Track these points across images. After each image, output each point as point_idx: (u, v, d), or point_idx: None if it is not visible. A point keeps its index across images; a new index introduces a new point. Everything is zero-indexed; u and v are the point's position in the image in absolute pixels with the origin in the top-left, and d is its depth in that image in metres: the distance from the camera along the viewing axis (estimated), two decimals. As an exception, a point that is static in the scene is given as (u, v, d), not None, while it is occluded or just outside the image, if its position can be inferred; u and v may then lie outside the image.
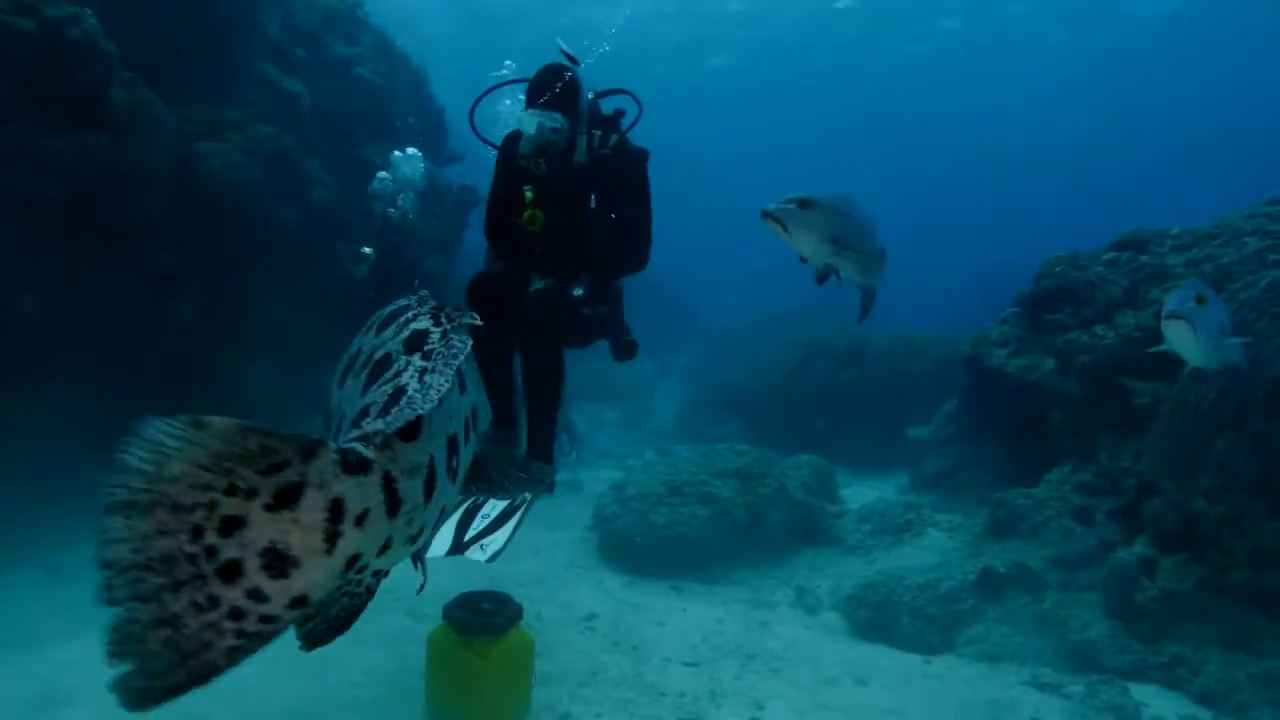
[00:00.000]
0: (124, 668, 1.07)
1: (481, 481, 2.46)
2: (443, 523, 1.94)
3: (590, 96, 3.22)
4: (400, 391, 1.59)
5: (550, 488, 3.17)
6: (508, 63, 7.58)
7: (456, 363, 1.72)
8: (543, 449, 3.16)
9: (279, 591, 1.14)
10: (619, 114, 3.33)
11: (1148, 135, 32.42)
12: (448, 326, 1.83)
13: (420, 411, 1.44)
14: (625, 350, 3.37)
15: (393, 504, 1.37)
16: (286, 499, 1.15)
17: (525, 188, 3.12)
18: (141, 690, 1.08)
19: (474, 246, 6.91)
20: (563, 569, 6.86)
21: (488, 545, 3.36)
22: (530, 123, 3.04)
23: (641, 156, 3.28)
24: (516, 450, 3.11)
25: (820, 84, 27.14)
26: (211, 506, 1.11)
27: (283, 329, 7.40)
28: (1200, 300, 3.03)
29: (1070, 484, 6.31)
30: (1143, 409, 6.08)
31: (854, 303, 3.42)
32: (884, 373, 11.81)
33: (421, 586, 2.27)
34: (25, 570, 5.60)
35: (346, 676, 4.39)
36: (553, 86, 3.06)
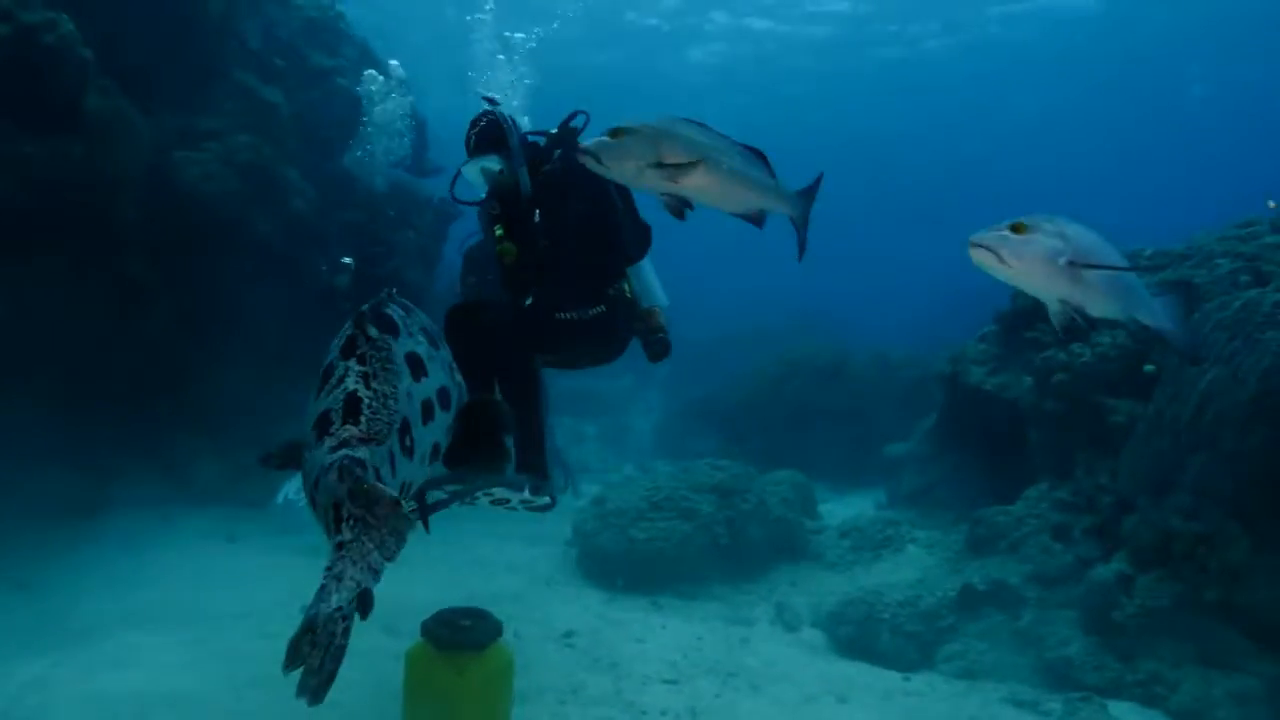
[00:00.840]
0: (295, 673, 1.44)
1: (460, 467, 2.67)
2: (407, 495, 2.22)
3: (517, 128, 3.41)
4: (355, 399, 1.85)
5: (540, 490, 3.17)
6: (488, 5, 7.58)
7: (392, 365, 1.96)
8: (531, 461, 3.16)
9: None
10: (571, 131, 3.45)
11: (1122, 158, 33.00)
12: (367, 328, 2.03)
13: (393, 423, 1.85)
14: (653, 349, 3.45)
15: None
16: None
17: (495, 227, 3.38)
18: (315, 686, 1.47)
19: (455, 259, 6.87)
20: (541, 585, 6.79)
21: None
22: (472, 172, 3.31)
23: None
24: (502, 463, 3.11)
25: (798, 94, 27.36)
26: None
27: (260, 339, 7.32)
28: (1018, 228, 2.45)
29: (1048, 501, 6.35)
30: (1119, 427, 6.13)
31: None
32: (862, 389, 11.87)
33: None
34: (-11, 585, 5.46)
35: (320, 695, 4.30)
36: (478, 132, 3.33)
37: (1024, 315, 7.34)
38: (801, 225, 2.93)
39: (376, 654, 4.63)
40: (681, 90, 25.46)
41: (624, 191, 3.44)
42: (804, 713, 4.80)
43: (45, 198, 5.95)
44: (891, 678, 5.40)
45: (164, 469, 7.04)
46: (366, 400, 1.84)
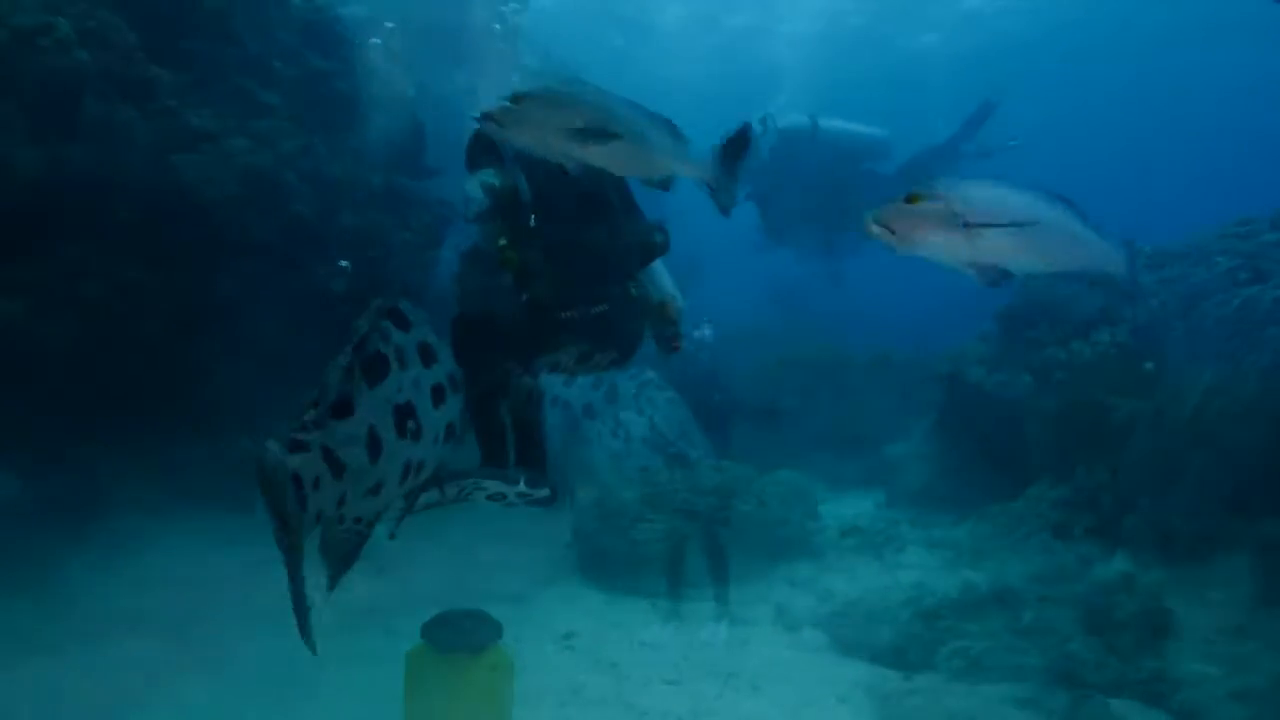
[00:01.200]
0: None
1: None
2: (423, 475, 2.41)
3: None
4: (325, 387, 2.01)
5: (537, 483, 3.18)
6: None
7: (363, 351, 2.08)
8: (530, 456, 3.18)
9: (289, 545, 1.80)
10: None
11: (1123, 158, 32.98)
12: (373, 321, 2.18)
13: (331, 401, 1.96)
14: (664, 342, 3.48)
15: (337, 469, 1.90)
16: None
17: (499, 238, 3.44)
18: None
19: (454, 261, 6.84)
20: (541, 586, 6.79)
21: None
22: (473, 188, 3.37)
23: None
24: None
25: (796, 94, 27.32)
26: None
27: (259, 342, 7.31)
28: (914, 199, 2.32)
29: (1048, 500, 6.35)
30: (1119, 425, 6.13)
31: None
32: (862, 389, 11.85)
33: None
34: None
35: (323, 698, 4.30)
36: (473, 148, 3.42)
37: (1024, 314, 7.35)
38: (717, 185, 2.79)
39: (376, 656, 4.63)
40: (685, 91, 25.48)
41: (623, 194, 3.44)
42: (805, 714, 4.79)
43: (43, 201, 5.94)
44: (893, 678, 5.38)
45: (163, 471, 7.03)
46: (328, 385, 2.01)
